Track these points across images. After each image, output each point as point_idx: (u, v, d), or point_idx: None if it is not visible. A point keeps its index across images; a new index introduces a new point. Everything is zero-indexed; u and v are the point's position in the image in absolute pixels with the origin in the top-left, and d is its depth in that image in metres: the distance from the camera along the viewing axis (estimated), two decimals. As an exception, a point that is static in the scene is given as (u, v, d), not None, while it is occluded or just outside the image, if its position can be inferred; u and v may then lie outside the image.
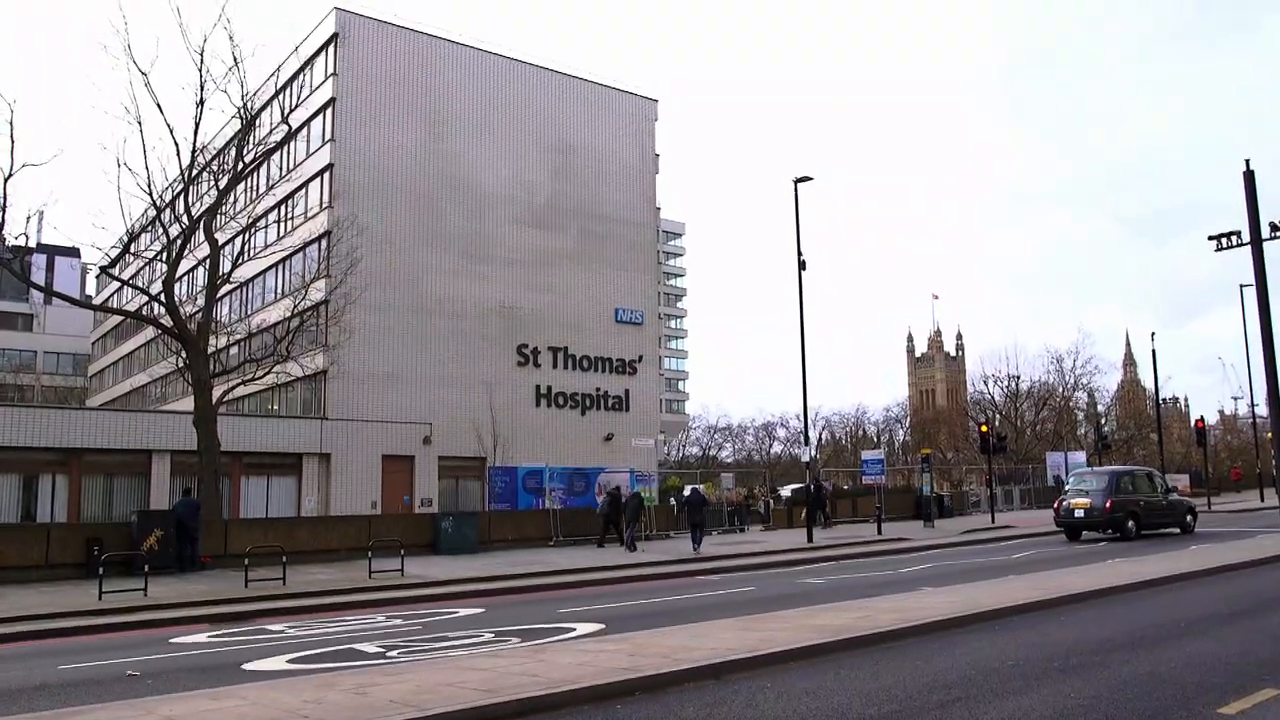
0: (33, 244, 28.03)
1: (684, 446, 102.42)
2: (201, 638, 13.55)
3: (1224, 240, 25.62)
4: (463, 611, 15.58)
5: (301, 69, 41.65)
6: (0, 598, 17.90)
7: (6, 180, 23.58)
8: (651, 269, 50.51)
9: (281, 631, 13.87)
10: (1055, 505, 28.99)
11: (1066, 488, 29.84)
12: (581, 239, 46.29)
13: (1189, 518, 28.72)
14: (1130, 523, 26.64)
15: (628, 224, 48.09)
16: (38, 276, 66.09)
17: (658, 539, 31.39)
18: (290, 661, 10.89)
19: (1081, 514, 26.92)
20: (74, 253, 79.47)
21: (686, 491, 36.81)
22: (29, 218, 42.04)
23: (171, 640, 13.30)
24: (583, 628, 12.74)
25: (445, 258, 41.75)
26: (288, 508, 34.57)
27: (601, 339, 46.19)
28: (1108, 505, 26.44)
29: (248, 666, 10.60)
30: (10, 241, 26.25)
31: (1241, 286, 43.49)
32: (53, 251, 78.56)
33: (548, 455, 38.06)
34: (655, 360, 51.13)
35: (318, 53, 41.96)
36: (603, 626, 12.75)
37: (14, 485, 30.39)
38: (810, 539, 28.54)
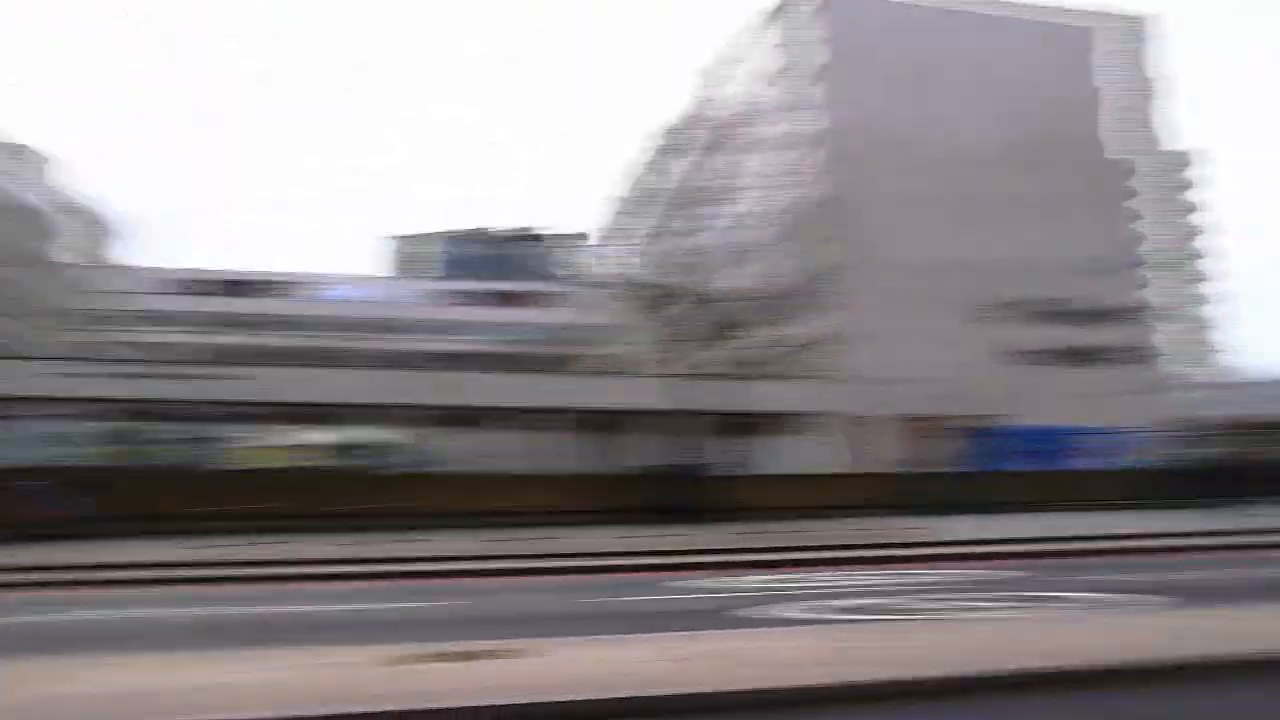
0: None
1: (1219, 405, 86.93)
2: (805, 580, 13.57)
3: None
4: (1004, 574, 14.02)
5: (783, 37, 42.38)
6: (565, 537, 19.70)
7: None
8: (1155, 209, 43.67)
9: (797, 580, 13.64)
10: None
11: None
12: (1073, 183, 41.74)
13: None
14: None
15: (1118, 163, 42.32)
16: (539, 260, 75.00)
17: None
18: (805, 611, 10.58)
19: None
20: (568, 235, 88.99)
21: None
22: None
23: (732, 581, 13.55)
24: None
25: (926, 214, 39.94)
26: (781, 466, 34.86)
27: (1085, 288, 41.04)
28: None
29: (774, 613, 10.45)
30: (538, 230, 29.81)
31: None
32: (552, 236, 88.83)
33: (1039, 413, 34.76)
34: (1147, 311, 44.35)
35: (795, 20, 42.59)
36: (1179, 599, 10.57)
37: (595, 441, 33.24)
38: None
